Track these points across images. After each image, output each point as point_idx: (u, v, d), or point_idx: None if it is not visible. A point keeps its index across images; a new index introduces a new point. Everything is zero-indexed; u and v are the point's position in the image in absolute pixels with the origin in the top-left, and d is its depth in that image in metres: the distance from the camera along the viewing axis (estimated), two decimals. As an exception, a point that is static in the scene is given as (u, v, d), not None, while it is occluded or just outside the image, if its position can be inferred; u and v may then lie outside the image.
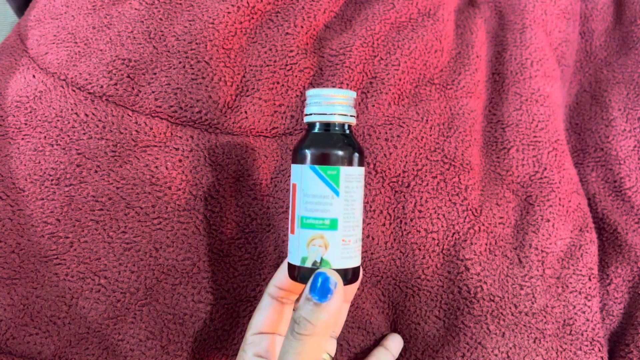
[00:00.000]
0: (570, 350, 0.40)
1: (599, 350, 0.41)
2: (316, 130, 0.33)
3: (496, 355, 0.38)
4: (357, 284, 0.36)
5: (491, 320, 0.39)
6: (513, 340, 0.39)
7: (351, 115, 0.33)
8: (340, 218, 0.32)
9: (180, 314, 0.39)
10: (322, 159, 0.32)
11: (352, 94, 0.33)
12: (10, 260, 0.37)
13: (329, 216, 0.31)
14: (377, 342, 0.41)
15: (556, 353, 0.39)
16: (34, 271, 0.38)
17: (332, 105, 0.32)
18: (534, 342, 0.39)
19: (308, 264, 0.32)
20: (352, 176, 0.32)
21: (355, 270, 0.33)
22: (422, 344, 0.41)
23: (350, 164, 0.32)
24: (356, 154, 0.32)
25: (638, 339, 0.42)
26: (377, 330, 0.41)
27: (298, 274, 0.32)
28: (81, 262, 0.38)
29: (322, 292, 0.30)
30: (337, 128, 0.33)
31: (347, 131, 0.33)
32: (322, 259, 0.31)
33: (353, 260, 0.32)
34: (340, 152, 0.32)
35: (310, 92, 0.33)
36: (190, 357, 0.39)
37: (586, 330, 0.41)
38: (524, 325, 0.39)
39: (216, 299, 0.40)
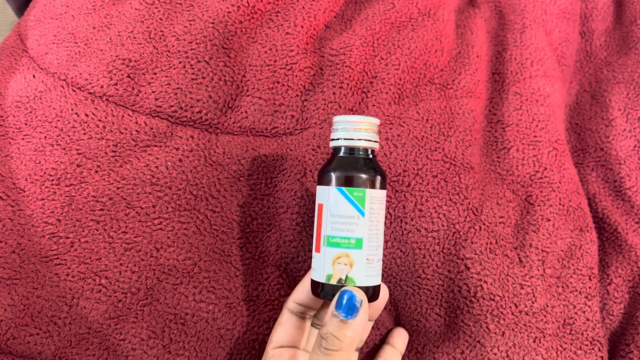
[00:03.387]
0: (570, 350, 0.40)
1: (599, 350, 0.41)
2: (342, 154, 0.34)
3: (495, 354, 0.38)
4: (383, 304, 0.37)
5: (491, 320, 0.39)
6: (513, 339, 0.39)
7: (375, 141, 0.35)
8: (365, 238, 0.33)
9: (182, 314, 0.39)
10: (349, 181, 0.33)
11: (377, 121, 0.35)
12: (10, 260, 0.37)
13: (355, 235, 0.33)
14: (382, 336, 0.41)
15: (556, 352, 0.39)
16: (35, 271, 0.38)
17: (359, 131, 0.34)
18: (534, 341, 0.39)
19: (333, 281, 0.33)
20: (376, 198, 0.34)
21: (376, 289, 0.34)
22: (424, 339, 0.41)
23: (374, 186, 0.34)
24: (379, 177, 0.34)
25: (638, 339, 0.42)
26: (382, 325, 0.41)
27: (322, 290, 0.34)
28: (82, 262, 0.38)
29: (349, 309, 0.31)
30: (361, 152, 0.34)
31: (371, 155, 0.35)
32: (347, 277, 0.33)
33: (375, 278, 0.34)
34: (366, 175, 0.33)
35: (337, 118, 0.35)
36: (192, 357, 0.39)
37: (586, 330, 0.41)
38: (524, 325, 0.39)
39: (217, 299, 0.40)
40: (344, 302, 0.31)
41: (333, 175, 0.33)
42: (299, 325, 0.36)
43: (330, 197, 0.33)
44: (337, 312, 0.31)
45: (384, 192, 0.35)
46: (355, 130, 0.34)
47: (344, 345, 0.30)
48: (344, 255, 0.33)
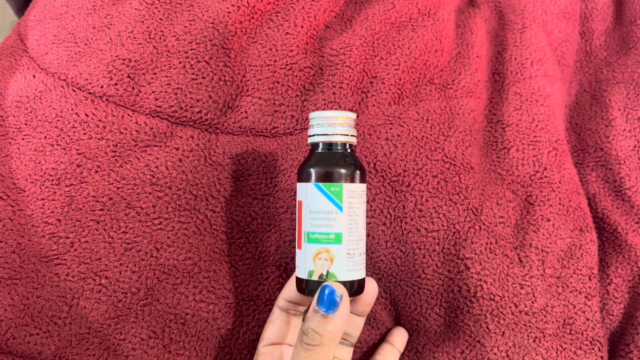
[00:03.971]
0: (570, 350, 0.40)
1: (599, 349, 0.41)
2: (319, 150, 0.35)
3: (495, 354, 0.38)
4: (372, 299, 0.37)
5: (491, 319, 0.39)
6: (513, 339, 0.39)
7: (352, 135, 0.35)
8: (344, 232, 0.33)
9: (182, 314, 0.39)
10: (326, 177, 0.33)
11: (353, 115, 0.35)
12: (10, 260, 0.37)
13: (334, 231, 0.33)
14: (382, 335, 0.41)
15: (556, 352, 0.39)
16: (35, 271, 0.38)
17: (334, 126, 0.34)
18: (534, 341, 0.39)
19: (315, 277, 0.33)
20: (355, 192, 0.34)
21: (360, 282, 0.34)
22: (424, 339, 0.41)
23: (352, 180, 0.34)
24: (358, 172, 0.34)
25: (638, 339, 0.42)
26: (382, 325, 0.41)
27: (306, 287, 0.34)
28: (82, 262, 0.38)
29: (329, 304, 0.31)
30: (339, 147, 0.34)
31: (349, 150, 0.35)
32: (328, 272, 0.33)
33: (358, 272, 0.34)
34: (343, 170, 0.34)
35: (313, 115, 0.35)
36: (192, 356, 0.39)
37: (586, 330, 0.41)
38: (524, 325, 0.39)
39: (218, 298, 0.40)
40: (325, 297, 0.31)
41: (311, 172, 0.34)
42: (290, 322, 0.37)
43: (308, 194, 0.34)
44: (318, 308, 0.31)
45: (364, 185, 0.35)
46: (331, 126, 0.34)
47: (325, 340, 0.30)
48: (324, 250, 0.33)
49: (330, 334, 0.31)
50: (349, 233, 0.33)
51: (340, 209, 0.33)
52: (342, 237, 0.33)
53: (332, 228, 0.33)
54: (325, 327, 0.30)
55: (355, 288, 0.34)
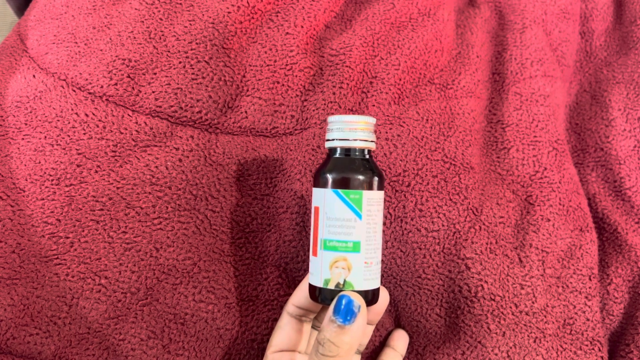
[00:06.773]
0: (571, 350, 0.40)
1: (599, 350, 0.41)
2: (337, 155, 0.34)
3: (496, 354, 0.38)
4: (383, 308, 0.36)
5: (492, 320, 0.39)
6: (513, 339, 0.39)
7: (371, 141, 0.34)
8: (362, 241, 0.32)
9: (182, 314, 0.39)
10: (345, 183, 0.32)
11: (373, 120, 0.34)
12: (10, 260, 0.37)
13: (352, 239, 0.32)
14: (382, 338, 0.41)
15: (556, 353, 0.39)
16: (35, 271, 0.38)
17: (354, 131, 0.33)
18: (534, 341, 0.39)
19: (331, 286, 0.32)
20: (374, 200, 0.33)
21: (375, 292, 0.33)
22: (424, 340, 0.41)
23: (371, 187, 0.33)
24: (377, 178, 0.33)
25: (638, 339, 0.42)
26: (382, 327, 0.41)
27: (319, 294, 0.33)
28: (81, 262, 0.38)
29: (346, 314, 0.30)
30: (357, 153, 0.33)
31: (367, 156, 0.34)
32: (345, 281, 0.32)
33: (374, 282, 0.33)
34: (363, 177, 0.33)
35: (332, 118, 0.34)
36: (192, 357, 0.39)
37: (586, 330, 0.41)
38: (525, 325, 0.39)
39: (217, 299, 0.40)
40: (342, 307, 0.30)
41: (329, 177, 0.33)
42: (299, 328, 0.36)
43: (326, 200, 0.33)
44: (334, 318, 0.30)
45: (382, 193, 0.34)
46: (350, 131, 0.33)
47: (341, 351, 0.30)
48: (341, 259, 0.32)
49: (346, 345, 0.30)
50: (367, 242, 0.32)
51: (360, 217, 0.32)
52: (361, 245, 0.32)
53: (351, 236, 0.32)
54: (341, 337, 0.30)
55: (370, 298, 0.33)
